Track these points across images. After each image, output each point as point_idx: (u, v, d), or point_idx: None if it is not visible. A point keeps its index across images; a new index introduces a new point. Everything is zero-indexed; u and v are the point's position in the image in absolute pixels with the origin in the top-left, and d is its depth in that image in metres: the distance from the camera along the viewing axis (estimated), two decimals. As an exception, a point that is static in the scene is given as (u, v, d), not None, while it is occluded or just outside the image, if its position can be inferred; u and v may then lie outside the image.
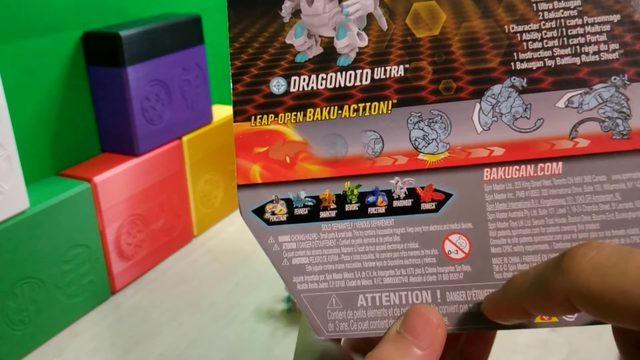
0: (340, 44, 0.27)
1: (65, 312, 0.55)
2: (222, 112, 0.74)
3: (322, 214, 0.27)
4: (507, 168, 0.26)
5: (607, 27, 0.26)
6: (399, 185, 0.27)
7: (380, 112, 0.27)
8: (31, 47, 0.56)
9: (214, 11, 0.76)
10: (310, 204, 0.27)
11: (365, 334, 0.27)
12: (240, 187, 0.27)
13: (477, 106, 0.26)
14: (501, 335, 0.30)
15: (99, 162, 0.60)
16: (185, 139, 0.66)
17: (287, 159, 0.27)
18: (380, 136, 0.27)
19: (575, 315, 0.25)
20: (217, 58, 0.77)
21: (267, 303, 0.58)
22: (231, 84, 0.28)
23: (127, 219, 0.60)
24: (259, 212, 0.27)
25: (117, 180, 0.58)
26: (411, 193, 0.26)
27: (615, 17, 0.26)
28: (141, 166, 0.61)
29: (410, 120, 0.27)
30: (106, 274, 0.59)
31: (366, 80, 0.27)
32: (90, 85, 0.61)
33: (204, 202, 0.71)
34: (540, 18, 0.26)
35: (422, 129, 0.27)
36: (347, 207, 0.27)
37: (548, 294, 0.21)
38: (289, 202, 0.27)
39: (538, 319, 0.26)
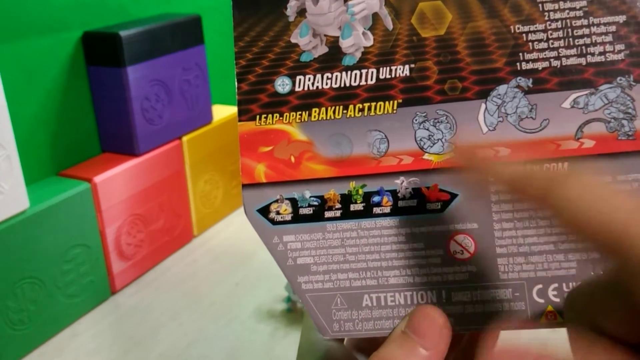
0: (345, 44, 0.27)
1: (65, 312, 0.55)
2: (222, 112, 0.74)
3: (327, 214, 0.27)
4: None
5: (613, 28, 0.26)
6: (404, 185, 0.27)
7: (386, 112, 0.27)
8: (31, 47, 0.56)
9: (214, 11, 0.76)
10: (315, 203, 0.27)
11: (370, 334, 0.27)
12: (245, 186, 0.27)
13: (483, 106, 0.26)
14: (501, 335, 0.30)
15: (99, 162, 0.60)
16: (185, 139, 0.66)
17: (292, 159, 0.27)
18: (385, 136, 0.27)
19: None
20: (217, 58, 0.77)
21: (267, 303, 0.58)
22: (236, 83, 0.28)
23: (127, 219, 0.60)
24: (264, 211, 0.27)
25: (117, 180, 0.58)
26: (416, 193, 0.26)
27: (621, 18, 0.26)
28: (141, 166, 0.61)
29: (416, 120, 0.27)
30: (106, 274, 0.59)
31: (371, 79, 0.27)
32: (90, 85, 0.61)
33: (204, 202, 0.71)
34: (546, 18, 0.26)
35: (427, 129, 0.27)
36: (352, 207, 0.27)
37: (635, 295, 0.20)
38: (293, 202, 0.27)
39: (542, 319, 0.26)
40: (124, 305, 0.59)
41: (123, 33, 0.57)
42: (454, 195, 0.26)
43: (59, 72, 0.58)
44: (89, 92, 0.61)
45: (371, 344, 0.29)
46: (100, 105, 0.61)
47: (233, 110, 0.75)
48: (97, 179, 0.56)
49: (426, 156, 0.26)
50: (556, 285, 0.26)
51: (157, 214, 0.64)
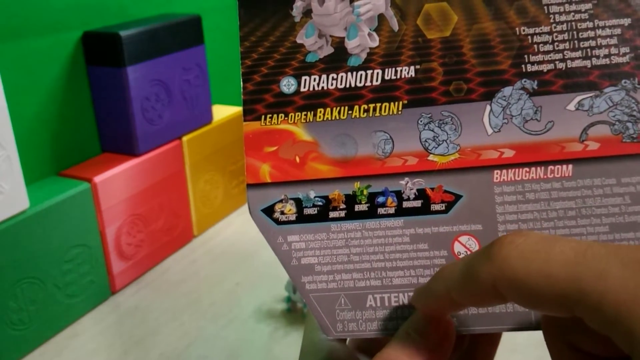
0: (351, 44, 0.27)
1: (65, 312, 0.55)
2: (222, 112, 0.74)
3: (332, 214, 0.27)
4: (517, 170, 0.26)
5: (618, 31, 0.26)
6: (409, 186, 0.27)
7: (391, 113, 0.27)
8: (31, 47, 0.56)
9: (214, 11, 0.76)
10: (320, 203, 0.27)
11: (374, 335, 0.27)
12: (249, 186, 0.27)
13: (488, 108, 0.26)
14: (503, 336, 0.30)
15: (99, 162, 0.60)
16: (185, 139, 0.66)
17: (297, 159, 0.27)
18: (390, 137, 0.27)
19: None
20: (217, 58, 0.77)
21: (267, 303, 0.58)
22: (241, 83, 0.28)
23: (127, 219, 0.60)
24: (268, 211, 0.27)
25: (117, 180, 0.58)
26: (421, 194, 0.26)
27: (626, 21, 0.26)
28: (141, 166, 0.61)
29: (421, 121, 0.27)
30: (106, 274, 0.59)
31: (377, 80, 0.27)
32: (90, 85, 0.61)
33: (204, 202, 0.71)
34: (552, 21, 0.26)
35: (432, 130, 0.27)
36: (357, 208, 0.27)
37: (475, 282, 0.20)
38: (298, 202, 0.27)
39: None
40: (124, 305, 0.59)
41: (123, 33, 0.57)
42: (458, 197, 0.26)
43: (59, 72, 0.58)
44: (89, 92, 0.61)
45: (373, 345, 0.29)
46: (100, 105, 0.61)
47: (233, 110, 0.75)
48: (97, 179, 0.56)
49: (431, 157, 0.26)
50: None
51: (157, 214, 0.64)
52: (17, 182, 0.49)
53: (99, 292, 0.58)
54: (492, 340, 0.30)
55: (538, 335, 0.25)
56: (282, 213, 0.27)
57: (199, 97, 0.68)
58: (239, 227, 0.73)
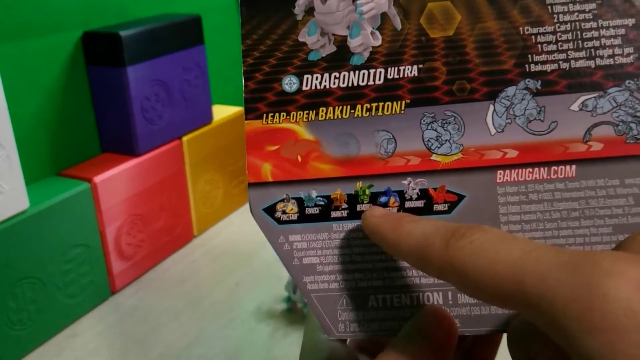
0: (353, 43, 0.27)
1: (65, 312, 0.55)
2: (222, 112, 0.74)
3: (334, 214, 0.27)
4: (520, 170, 0.26)
5: (622, 31, 0.26)
6: (412, 186, 0.26)
7: (393, 112, 0.27)
8: (31, 47, 0.56)
9: (214, 11, 0.76)
10: (322, 203, 0.27)
11: (376, 335, 0.26)
12: (250, 185, 0.27)
13: (491, 108, 0.26)
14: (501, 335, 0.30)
15: (99, 162, 0.60)
16: (185, 139, 0.66)
17: (299, 158, 0.27)
18: (393, 136, 0.27)
19: None
20: (217, 58, 0.77)
21: (267, 303, 0.58)
22: (243, 81, 0.28)
23: (127, 219, 0.60)
24: (270, 210, 0.27)
25: (117, 180, 0.58)
26: (423, 194, 0.26)
27: (630, 21, 0.26)
28: (141, 166, 0.61)
29: (424, 121, 0.26)
30: (106, 274, 0.59)
31: (379, 79, 0.27)
32: (90, 85, 0.61)
33: (204, 202, 0.71)
34: (555, 21, 0.26)
35: (435, 130, 0.26)
36: (359, 207, 0.27)
37: (425, 260, 0.21)
38: (300, 201, 0.27)
39: None
40: (124, 305, 0.59)
41: (123, 33, 0.57)
42: (461, 197, 0.26)
43: (59, 72, 0.58)
44: (89, 92, 0.61)
45: (374, 345, 0.29)
46: (100, 105, 0.61)
47: (233, 110, 0.75)
48: (97, 179, 0.56)
49: (434, 157, 0.26)
50: None
51: (157, 214, 0.64)
52: (17, 182, 0.49)
53: (99, 292, 0.58)
54: (492, 342, 0.30)
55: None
56: (284, 212, 0.27)
57: (199, 97, 0.68)
58: (239, 227, 0.73)
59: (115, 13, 0.63)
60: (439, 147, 0.26)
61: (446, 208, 0.26)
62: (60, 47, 0.58)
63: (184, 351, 0.52)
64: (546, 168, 0.26)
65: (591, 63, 0.26)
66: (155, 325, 0.56)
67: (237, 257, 0.66)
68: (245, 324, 0.55)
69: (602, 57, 0.26)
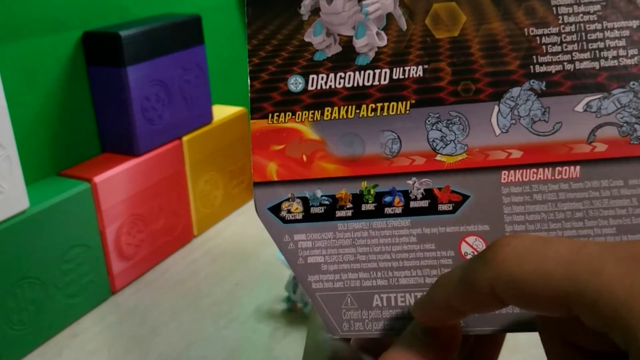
0: (359, 43, 0.27)
1: (65, 312, 0.55)
2: (222, 112, 0.74)
3: (339, 213, 0.27)
4: (524, 171, 0.26)
5: (627, 33, 0.26)
6: (416, 186, 0.26)
7: (399, 113, 0.27)
8: (31, 47, 0.56)
9: (214, 11, 0.76)
10: (327, 202, 0.27)
11: (380, 335, 0.27)
12: (256, 184, 0.27)
13: (496, 108, 0.26)
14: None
15: (99, 162, 0.60)
16: (185, 139, 0.66)
17: (304, 158, 0.27)
18: (397, 136, 0.27)
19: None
20: (217, 58, 0.77)
21: (267, 303, 0.58)
22: (249, 81, 0.28)
23: (127, 219, 0.60)
24: (275, 209, 0.27)
25: (117, 180, 0.58)
26: (428, 194, 0.26)
27: (635, 23, 0.26)
28: (141, 166, 0.61)
29: (429, 121, 0.27)
30: (106, 274, 0.59)
31: (384, 80, 0.27)
32: (90, 85, 0.61)
33: (204, 202, 0.71)
34: (560, 22, 0.26)
35: (440, 130, 0.26)
36: (364, 207, 0.27)
37: (474, 287, 0.20)
38: (305, 201, 0.27)
39: None
40: (124, 305, 0.59)
41: (123, 33, 0.57)
42: (465, 197, 0.26)
43: (59, 72, 0.58)
44: (89, 92, 0.61)
45: (378, 345, 0.29)
46: (100, 105, 0.61)
47: (233, 110, 0.75)
48: (97, 179, 0.56)
49: (439, 157, 0.26)
50: None
51: (157, 214, 0.64)
52: (17, 182, 0.49)
53: (99, 292, 0.58)
54: (496, 341, 0.30)
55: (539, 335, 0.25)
56: (289, 212, 0.27)
57: (199, 97, 0.68)
58: (239, 227, 0.73)
59: (115, 13, 0.63)
60: (443, 148, 0.26)
61: (451, 208, 0.26)
62: (60, 47, 0.58)
63: (184, 351, 0.52)
64: (550, 169, 0.26)
65: (595, 64, 0.26)
66: (155, 325, 0.56)
67: (237, 257, 0.66)
68: (245, 324, 0.55)
69: (606, 59, 0.26)
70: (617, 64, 0.26)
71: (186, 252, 0.68)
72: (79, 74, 0.60)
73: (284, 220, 0.27)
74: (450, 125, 0.26)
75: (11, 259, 0.49)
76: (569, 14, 0.26)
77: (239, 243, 0.69)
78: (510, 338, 0.49)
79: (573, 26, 0.26)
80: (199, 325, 0.56)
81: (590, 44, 0.26)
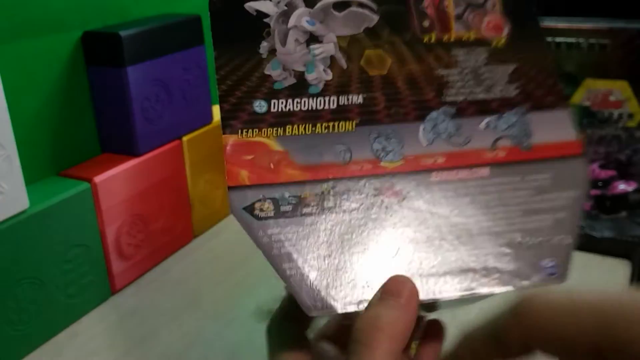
0: (310, 77, 0.34)
1: (65, 312, 0.55)
2: (222, 112, 0.74)
3: (304, 210, 0.32)
4: (448, 172, 0.34)
5: (508, 73, 0.36)
6: (367, 186, 0.33)
7: (347, 130, 0.33)
8: (31, 47, 0.56)
9: (214, 11, 0.76)
10: (294, 202, 0.32)
11: (352, 309, 0.30)
12: (230, 188, 0.31)
13: (421, 126, 0.34)
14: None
15: (99, 162, 0.60)
16: (185, 139, 0.66)
17: (271, 165, 0.32)
18: (348, 148, 0.33)
19: None
20: (217, 58, 0.76)
21: (267, 303, 0.58)
22: (219, 104, 0.32)
23: (127, 219, 0.60)
24: (249, 209, 0.32)
25: (117, 180, 0.58)
26: (376, 192, 0.33)
27: (512, 67, 0.36)
28: (141, 166, 0.61)
29: (371, 137, 0.34)
30: (106, 274, 0.59)
31: (333, 105, 0.34)
32: (90, 85, 0.61)
33: (204, 202, 0.71)
34: (459, 66, 0.35)
35: (381, 143, 0.33)
36: (325, 204, 0.32)
37: (506, 339, 0.23)
38: (275, 201, 0.32)
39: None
40: (124, 305, 0.59)
41: (123, 33, 0.57)
42: (405, 193, 0.33)
43: (59, 72, 0.58)
44: (89, 92, 0.61)
45: (339, 333, 0.35)
46: (100, 105, 0.61)
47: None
48: (97, 179, 0.56)
49: (382, 163, 0.33)
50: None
51: (157, 214, 0.64)
52: (17, 182, 0.49)
53: (99, 292, 0.58)
54: (437, 339, 0.34)
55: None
56: (262, 210, 0.31)
57: (199, 97, 0.68)
58: (239, 227, 0.73)
59: (115, 13, 0.64)
60: (385, 156, 0.33)
61: (395, 202, 0.33)
62: (60, 47, 0.58)
63: (184, 351, 0.52)
64: (467, 170, 0.34)
65: (488, 95, 0.35)
66: (155, 325, 0.56)
67: (237, 257, 0.66)
68: (245, 324, 0.55)
69: (495, 92, 0.36)
70: (504, 95, 0.35)
71: (186, 252, 0.68)
72: (79, 74, 0.60)
73: (258, 218, 0.31)
74: (389, 139, 0.34)
75: (11, 259, 0.49)
76: (464, 60, 0.36)
77: (239, 243, 0.69)
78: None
79: (468, 69, 0.36)
80: (199, 325, 0.56)
81: (482, 81, 0.36)
